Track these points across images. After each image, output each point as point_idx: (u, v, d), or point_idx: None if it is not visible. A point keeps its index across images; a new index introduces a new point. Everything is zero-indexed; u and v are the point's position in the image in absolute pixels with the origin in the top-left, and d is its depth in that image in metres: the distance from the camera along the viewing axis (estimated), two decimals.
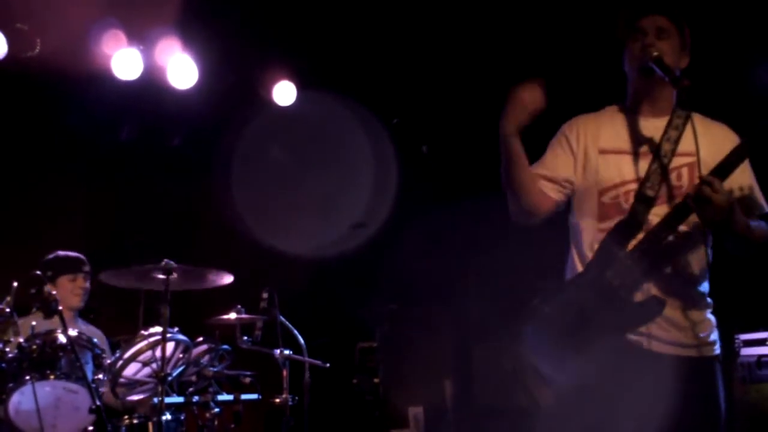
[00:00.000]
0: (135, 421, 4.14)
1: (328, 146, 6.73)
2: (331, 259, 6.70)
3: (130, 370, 4.11)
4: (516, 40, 5.64)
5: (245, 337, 4.70)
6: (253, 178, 6.49)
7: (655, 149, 2.62)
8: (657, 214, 2.57)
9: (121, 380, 4.08)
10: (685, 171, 2.62)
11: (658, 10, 2.69)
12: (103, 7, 5.17)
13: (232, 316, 4.67)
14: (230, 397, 4.60)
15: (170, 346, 4.09)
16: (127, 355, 4.04)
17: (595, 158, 2.70)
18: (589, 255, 2.65)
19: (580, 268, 2.69)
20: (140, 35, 5.46)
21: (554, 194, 2.76)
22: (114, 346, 4.53)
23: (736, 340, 4.94)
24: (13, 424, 3.70)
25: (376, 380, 5.72)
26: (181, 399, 4.43)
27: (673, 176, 2.61)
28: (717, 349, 2.62)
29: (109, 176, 6.31)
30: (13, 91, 5.50)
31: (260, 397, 4.81)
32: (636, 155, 2.66)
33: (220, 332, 4.68)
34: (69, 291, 4.54)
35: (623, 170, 2.65)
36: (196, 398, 4.43)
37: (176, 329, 4.17)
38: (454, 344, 6.70)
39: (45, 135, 5.94)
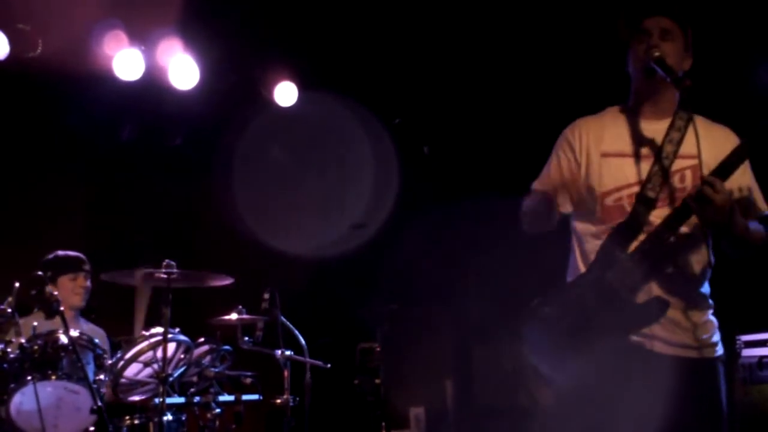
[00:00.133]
0: (136, 422, 4.15)
1: (329, 146, 6.73)
2: (332, 259, 6.71)
3: (132, 371, 4.11)
4: (517, 40, 5.64)
5: (246, 338, 4.70)
6: (254, 179, 6.49)
7: (657, 151, 2.62)
8: (658, 215, 2.57)
9: (123, 381, 4.09)
10: (688, 173, 2.62)
11: (661, 11, 2.70)
12: (105, 7, 5.17)
13: (234, 316, 4.67)
14: (231, 398, 4.61)
15: (171, 347, 4.09)
16: (128, 355, 4.04)
17: (597, 161, 2.70)
18: (591, 257, 2.66)
19: (582, 269, 2.69)
20: (142, 36, 5.46)
21: (565, 208, 2.78)
22: (115, 347, 4.53)
23: (737, 341, 4.94)
24: (14, 424, 3.70)
25: (377, 381, 5.72)
26: (182, 399, 4.43)
27: (675, 178, 2.61)
28: (719, 350, 2.63)
29: (110, 176, 6.31)
30: (15, 91, 5.50)
31: (261, 397, 4.81)
32: (638, 158, 2.66)
33: (221, 333, 4.68)
34: (70, 290, 4.54)
35: (626, 173, 2.65)
36: (197, 399, 4.43)
37: (177, 330, 4.17)
38: (454, 344, 6.70)
39: (46, 135, 5.94)
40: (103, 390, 4.06)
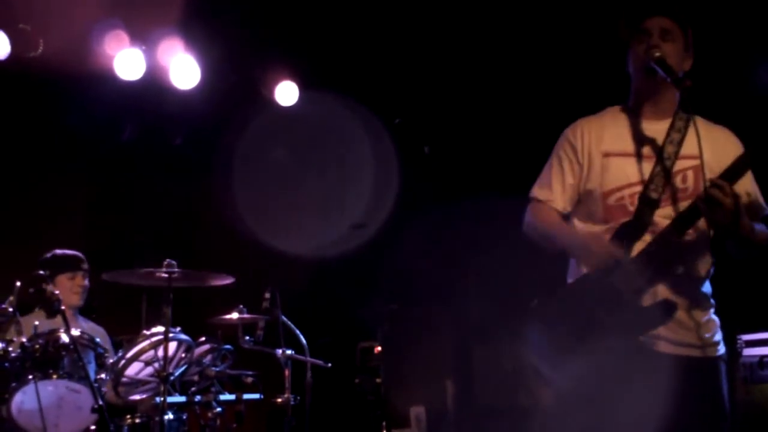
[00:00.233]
0: (137, 421, 4.15)
1: (330, 146, 6.74)
2: (333, 259, 6.71)
3: (133, 370, 4.11)
4: (517, 40, 5.65)
5: (247, 337, 4.71)
6: (255, 178, 6.50)
7: (659, 151, 2.63)
8: (661, 215, 2.59)
9: (124, 380, 4.09)
10: (690, 174, 2.64)
11: (662, 11, 2.70)
12: (106, 7, 5.18)
13: (234, 315, 4.67)
14: (232, 397, 4.60)
15: (172, 346, 4.09)
16: (129, 354, 4.04)
17: (599, 161, 2.71)
18: None
19: (583, 269, 2.69)
20: (143, 35, 5.47)
21: (565, 209, 2.79)
22: (116, 346, 4.53)
23: (739, 341, 4.94)
24: (15, 423, 3.70)
25: (377, 380, 5.72)
26: (183, 398, 4.43)
27: (677, 179, 2.62)
28: (721, 349, 2.64)
29: (110, 176, 6.31)
30: (16, 91, 5.50)
31: (262, 396, 4.81)
32: (640, 157, 2.67)
33: (222, 332, 4.68)
34: (68, 289, 4.54)
35: (627, 173, 2.66)
36: (198, 398, 4.43)
37: (178, 329, 4.17)
38: (455, 344, 6.70)
39: (47, 135, 5.95)
40: (104, 389, 4.06)
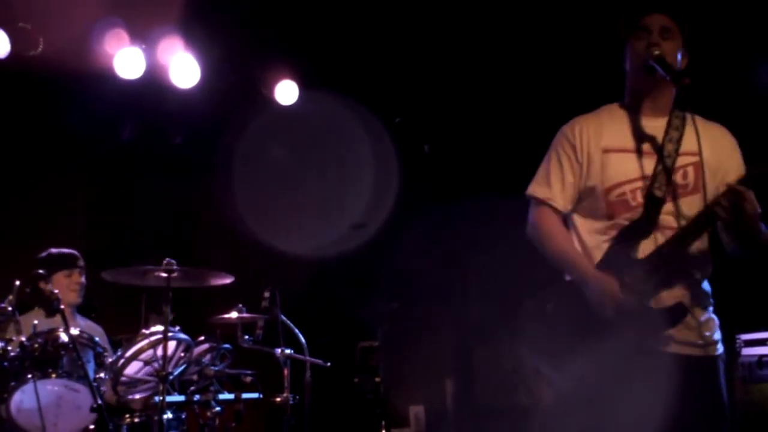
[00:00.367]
0: (136, 420, 4.15)
1: (330, 146, 6.74)
2: (332, 258, 6.71)
3: (132, 369, 4.12)
4: (516, 39, 5.64)
5: (246, 336, 4.70)
6: (255, 178, 6.49)
7: (659, 150, 2.65)
8: (665, 212, 2.60)
9: (123, 379, 4.09)
10: (690, 170, 2.65)
11: (662, 9, 2.71)
12: (106, 6, 5.18)
13: (234, 315, 4.67)
14: (231, 396, 4.60)
15: (171, 345, 4.10)
16: (128, 353, 4.04)
17: (598, 158, 2.71)
18: (596, 254, 2.66)
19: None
20: (142, 34, 5.47)
21: (565, 208, 2.78)
22: (115, 345, 4.53)
23: (737, 340, 4.94)
24: (14, 422, 3.70)
25: (377, 379, 5.72)
26: (182, 398, 4.43)
27: (678, 175, 2.63)
28: (720, 348, 2.65)
29: (110, 175, 6.31)
30: (16, 90, 5.51)
31: (261, 396, 4.80)
32: (639, 153, 2.68)
33: (221, 331, 4.67)
34: (66, 287, 4.54)
35: (628, 168, 2.67)
36: (197, 397, 4.43)
37: (177, 328, 4.18)
38: (454, 344, 6.70)
39: (47, 134, 5.95)
40: (103, 388, 4.06)
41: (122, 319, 4.95)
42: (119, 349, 4.14)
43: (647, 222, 2.59)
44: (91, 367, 4.22)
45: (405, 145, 6.77)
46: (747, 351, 4.90)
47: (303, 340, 4.96)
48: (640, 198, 2.63)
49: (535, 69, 5.81)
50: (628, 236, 2.61)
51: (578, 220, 2.77)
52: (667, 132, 2.66)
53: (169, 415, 4.13)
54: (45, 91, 5.62)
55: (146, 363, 4.10)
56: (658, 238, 2.58)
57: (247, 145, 6.29)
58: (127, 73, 5.47)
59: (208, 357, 4.53)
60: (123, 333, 4.58)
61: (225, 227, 6.42)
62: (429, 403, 6.61)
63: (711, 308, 2.67)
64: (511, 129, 6.28)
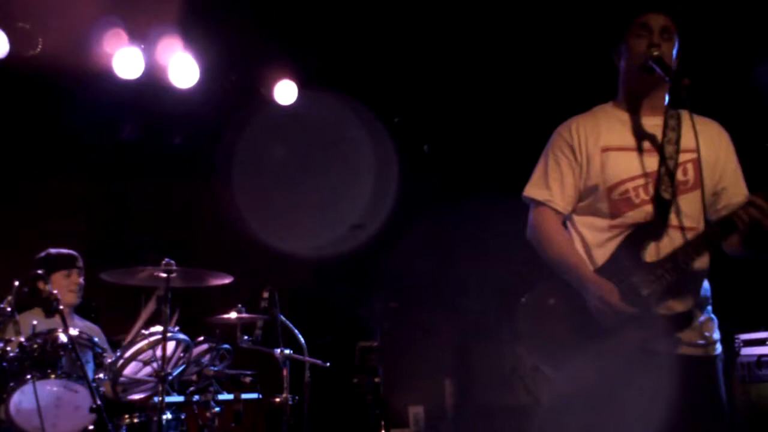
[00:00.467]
0: (135, 420, 4.15)
1: (329, 145, 6.73)
2: (332, 258, 6.71)
3: (131, 369, 4.11)
4: (516, 39, 5.64)
5: (246, 337, 4.70)
6: (254, 178, 6.49)
7: (660, 152, 2.65)
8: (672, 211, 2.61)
9: (122, 379, 4.09)
10: (689, 167, 2.66)
11: (663, 8, 2.70)
12: (105, 5, 5.17)
13: (233, 315, 4.66)
14: (230, 397, 4.60)
15: (171, 346, 4.09)
16: (127, 354, 4.04)
17: (598, 157, 2.71)
18: (599, 253, 2.66)
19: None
20: (141, 34, 5.46)
21: (565, 209, 2.77)
22: (115, 345, 4.53)
23: (736, 340, 4.94)
24: (14, 423, 3.70)
25: (376, 379, 5.72)
26: (181, 398, 4.43)
27: (678, 173, 2.65)
28: (719, 348, 2.66)
29: (109, 175, 6.31)
30: (15, 89, 5.50)
31: (260, 396, 4.81)
32: (639, 151, 2.68)
33: (220, 331, 4.67)
34: (65, 287, 4.53)
35: (629, 166, 2.67)
36: (196, 397, 4.43)
37: (177, 328, 4.17)
38: (453, 344, 6.70)
39: (46, 134, 5.95)
40: (102, 389, 4.06)
41: (121, 320, 4.94)
42: (118, 350, 4.14)
43: (657, 224, 2.59)
44: (90, 368, 4.22)
45: (404, 146, 6.77)
46: (746, 351, 4.90)
47: (302, 340, 4.96)
48: (643, 195, 2.63)
49: (534, 69, 5.81)
50: (636, 238, 2.60)
51: (579, 219, 2.76)
52: (665, 134, 2.66)
53: (168, 416, 4.13)
54: (44, 91, 5.62)
55: (145, 363, 4.10)
56: (667, 240, 2.58)
57: (246, 145, 6.29)
58: (126, 72, 5.47)
59: (207, 357, 4.53)
60: (122, 333, 4.58)
61: (224, 227, 6.42)
62: (428, 403, 6.62)
63: (710, 308, 2.68)
64: (510, 129, 6.28)
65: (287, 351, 4.78)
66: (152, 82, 5.64)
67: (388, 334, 5.97)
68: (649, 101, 2.73)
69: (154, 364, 4.04)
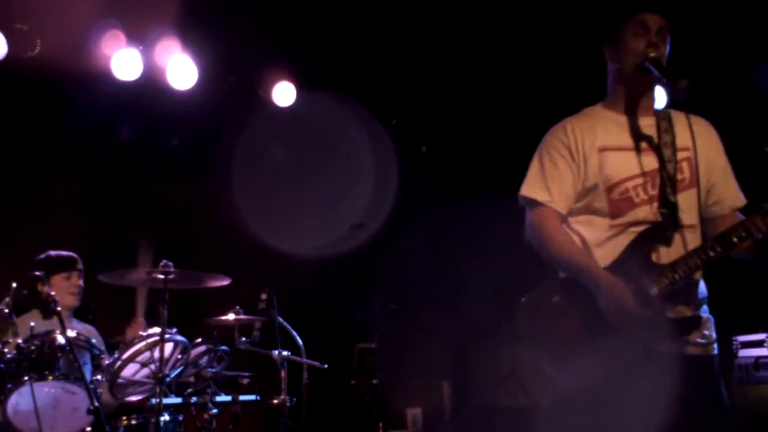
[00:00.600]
0: (133, 422, 4.14)
1: (328, 146, 6.73)
2: (330, 259, 6.71)
3: (129, 371, 4.11)
4: (514, 41, 5.65)
5: (243, 338, 4.70)
6: (253, 179, 6.49)
7: (658, 154, 2.66)
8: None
9: (120, 381, 4.09)
10: (685, 165, 2.69)
11: (660, 9, 2.71)
12: (103, 7, 5.17)
13: (231, 317, 4.67)
14: (228, 398, 4.61)
15: (169, 347, 4.09)
16: (125, 355, 4.04)
17: (595, 157, 2.70)
18: (599, 252, 2.65)
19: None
20: (140, 35, 5.46)
21: (563, 210, 2.76)
22: (112, 347, 4.52)
23: (734, 342, 4.95)
24: (11, 424, 3.69)
25: (374, 381, 5.72)
26: (179, 400, 4.43)
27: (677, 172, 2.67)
28: (717, 348, 2.68)
29: (108, 176, 6.31)
30: (13, 91, 5.50)
31: (258, 398, 4.81)
32: (636, 151, 2.69)
33: (218, 333, 4.68)
34: (64, 290, 4.52)
35: (628, 166, 2.67)
36: (194, 399, 4.44)
37: (175, 330, 4.17)
38: (452, 346, 6.70)
39: (45, 135, 5.94)
40: (100, 390, 4.05)
41: (119, 322, 4.93)
42: (116, 351, 4.14)
43: (666, 226, 2.59)
44: (88, 369, 4.21)
45: (403, 146, 6.78)
46: (743, 353, 4.91)
47: (300, 341, 4.96)
48: (642, 194, 2.64)
49: (532, 71, 5.81)
50: (644, 239, 2.60)
51: (575, 219, 2.76)
52: (660, 136, 2.67)
53: (166, 417, 4.13)
54: (42, 93, 5.62)
55: (143, 365, 4.10)
56: (674, 241, 2.59)
57: (244, 147, 6.29)
58: (124, 74, 5.47)
59: (205, 359, 4.53)
60: (120, 335, 4.58)
61: (222, 229, 6.42)
62: (426, 405, 6.62)
63: (707, 307, 2.68)
64: (508, 130, 6.28)
65: (285, 352, 4.78)
66: (151, 84, 5.64)
67: (386, 336, 5.97)
68: (642, 101, 2.74)
69: (152, 366, 4.04)
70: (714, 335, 2.65)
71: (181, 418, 4.35)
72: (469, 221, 6.40)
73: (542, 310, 2.69)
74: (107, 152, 6.20)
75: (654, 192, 2.64)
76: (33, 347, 3.85)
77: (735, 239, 2.52)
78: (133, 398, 4.24)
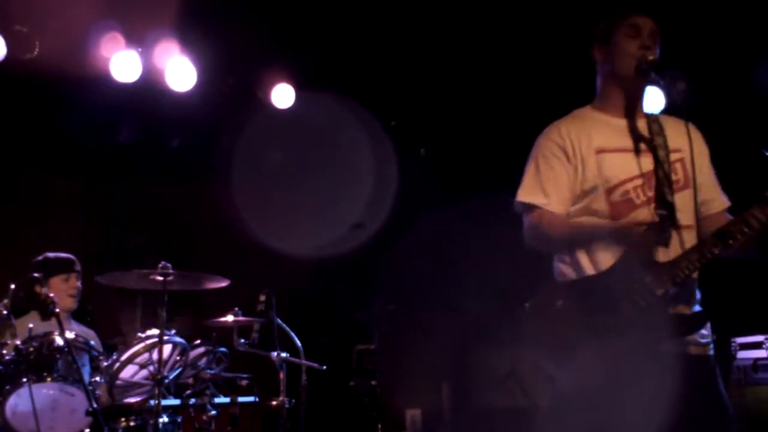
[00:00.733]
0: (132, 424, 4.14)
1: (327, 148, 6.73)
2: (330, 260, 6.71)
3: (127, 373, 4.12)
4: (514, 42, 5.65)
5: (242, 340, 4.70)
6: (252, 180, 6.49)
7: (654, 155, 2.66)
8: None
9: (118, 382, 4.09)
10: (678, 166, 2.70)
11: (652, 13, 2.71)
12: (102, 9, 5.17)
13: (230, 318, 4.67)
14: (227, 400, 4.60)
15: (167, 349, 4.10)
16: (124, 357, 4.05)
17: (593, 159, 2.69)
18: (602, 254, 2.63)
19: (587, 265, 2.66)
20: (139, 37, 5.47)
21: (561, 212, 2.75)
22: (111, 349, 4.53)
23: (733, 344, 4.96)
24: (9, 426, 3.70)
25: (373, 382, 5.72)
26: (178, 401, 4.43)
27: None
28: (713, 347, 2.68)
29: (107, 178, 6.31)
30: (12, 92, 5.50)
31: (257, 399, 4.81)
32: (634, 152, 2.69)
33: (217, 334, 4.68)
34: (63, 291, 4.52)
35: (627, 167, 2.67)
36: (193, 401, 4.43)
37: (173, 331, 4.17)
38: (451, 346, 6.70)
39: (44, 137, 5.95)
40: (99, 392, 4.06)
41: (118, 323, 4.95)
42: (115, 353, 4.14)
43: (665, 227, 2.59)
44: (86, 371, 4.21)
45: (402, 148, 6.78)
46: (742, 354, 4.91)
47: (299, 343, 4.96)
48: (642, 196, 2.64)
49: (531, 72, 5.81)
50: (644, 239, 2.59)
51: (575, 219, 2.73)
52: (652, 138, 2.68)
53: (164, 419, 4.13)
54: (41, 95, 5.62)
55: (142, 366, 4.10)
56: (673, 240, 2.59)
57: (243, 149, 6.29)
58: (123, 76, 5.47)
59: (203, 360, 4.53)
60: (118, 336, 4.58)
61: (221, 231, 6.42)
62: (426, 406, 6.61)
63: (699, 306, 2.68)
64: (507, 130, 6.28)
65: (284, 354, 4.78)
66: (150, 86, 5.64)
67: (385, 337, 5.97)
68: (635, 103, 2.75)
69: (151, 367, 4.04)
70: (710, 335, 2.66)
71: (179, 420, 4.35)
72: (469, 221, 6.40)
73: (546, 314, 2.66)
74: (107, 153, 6.21)
75: (651, 193, 2.64)
76: (31, 349, 3.86)
77: (736, 233, 2.51)
78: (132, 400, 4.24)
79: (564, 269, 2.74)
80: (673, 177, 2.66)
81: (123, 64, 5.45)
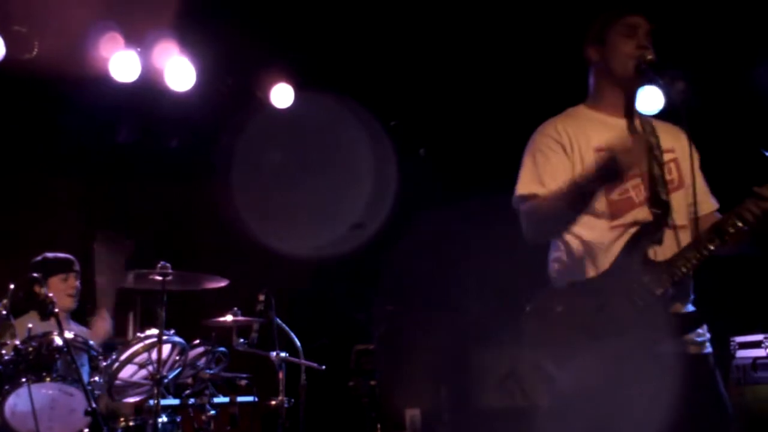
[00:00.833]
0: (131, 424, 4.15)
1: (326, 148, 6.73)
2: (329, 261, 6.71)
3: (126, 373, 4.12)
4: (512, 43, 5.65)
5: (241, 340, 4.70)
6: (252, 180, 6.49)
7: (649, 158, 2.65)
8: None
9: (117, 382, 4.09)
10: (672, 166, 2.72)
11: (646, 13, 2.71)
12: (101, 9, 5.17)
13: (229, 318, 4.67)
14: (226, 400, 4.61)
15: (166, 349, 4.10)
16: (123, 357, 4.04)
17: (592, 156, 2.67)
18: (601, 254, 2.63)
19: (587, 265, 2.65)
20: (138, 37, 5.46)
21: None
22: (109, 349, 4.53)
23: (732, 343, 4.95)
24: (9, 426, 3.70)
25: (372, 382, 5.72)
26: (177, 401, 4.44)
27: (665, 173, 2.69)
28: (710, 346, 2.68)
29: (107, 178, 6.31)
30: (11, 93, 5.50)
31: (256, 399, 4.81)
32: None
33: (216, 334, 4.68)
34: (62, 291, 4.53)
35: None
36: (192, 400, 4.44)
37: (172, 331, 4.18)
38: (450, 347, 6.69)
39: (43, 137, 5.95)
40: (98, 392, 4.06)
41: (117, 323, 4.94)
42: (114, 353, 4.14)
43: (659, 225, 2.60)
44: (85, 371, 4.21)
45: (402, 148, 6.78)
46: (741, 353, 4.91)
47: (298, 343, 4.96)
48: (641, 195, 2.64)
49: (530, 72, 5.81)
50: (640, 237, 2.60)
51: (575, 222, 2.70)
52: (646, 138, 2.68)
53: (163, 419, 4.14)
54: (40, 95, 5.62)
55: (141, 366, 4.10)
56: (667, 239, 2.60)
57: (242, 149, 6.30)
58: (122, 76, 5.47)
59: (203, 360, 4.54)
60: (117, 336, 4.58)
61: (220, 231, 6.42)
62: (425, 406, 6.60)
63: (692, 305, 2.69)
64: (507, 130, 6.27)
65: (283, 354, 4.79)
66: (149, 86, 5.64)
67: (385, 336, 5.97)
68: (629, 103, 2.75)
69: (150, 367, 4.04)
70: (707, 334, 2.66)
71: (179, 420, 4.36)
72: (468, 221, 6.40)
73: (546, 318, 2.64)
74: (106, 153, 6.21)
75: (648, 193, 2.64)
76: (31, 349, 3.87)
77: (730, 228, 2.51)
78: (131, 400, 4.24)
79: (559, 269, 2.74)
80: (668, 177, 2.67)
81: (122, 64, 5.45)
